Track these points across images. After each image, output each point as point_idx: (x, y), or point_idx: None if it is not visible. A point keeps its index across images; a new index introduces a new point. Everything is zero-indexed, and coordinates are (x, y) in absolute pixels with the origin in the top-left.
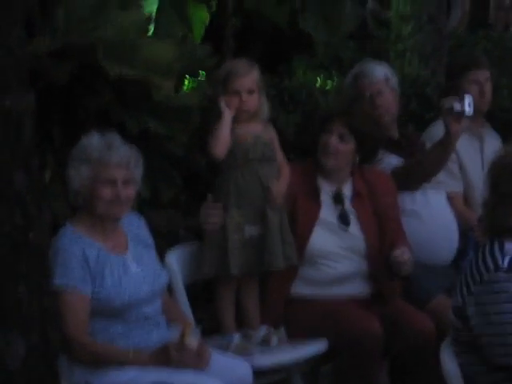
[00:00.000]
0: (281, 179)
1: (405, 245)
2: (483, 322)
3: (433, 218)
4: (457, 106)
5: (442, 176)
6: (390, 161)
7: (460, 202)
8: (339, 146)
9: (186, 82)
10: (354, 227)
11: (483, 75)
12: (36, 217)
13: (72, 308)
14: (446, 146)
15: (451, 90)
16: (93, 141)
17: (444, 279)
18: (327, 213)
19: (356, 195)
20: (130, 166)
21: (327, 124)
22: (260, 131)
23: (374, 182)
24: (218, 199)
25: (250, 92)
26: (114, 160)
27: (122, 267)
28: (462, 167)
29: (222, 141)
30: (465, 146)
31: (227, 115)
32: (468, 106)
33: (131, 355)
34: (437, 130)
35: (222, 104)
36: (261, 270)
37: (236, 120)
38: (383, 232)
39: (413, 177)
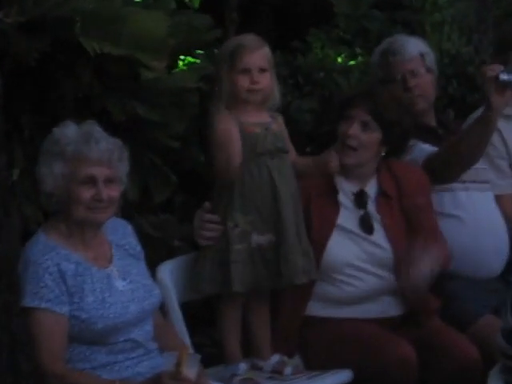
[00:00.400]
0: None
1: (431, 252)
2: None
3: (478, 223)
4: (503, 75)
5: (489, 174)
6: (423, 150)
7: (510, 205)
8: (361, 135)
9: (181, 60)
10: (379, 235)
11: None
12: (3, 223)
13: (46, 332)
14: (486, 122)
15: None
16: (67, 132)
17: (491, 296)
18: (347, 218)
19: (382, 196)
20: (112, 162)
21: (347, 109)
22: (270, 121)
23: (403, 180)
24: (218, 203)
25: (262, 70)
26: (93, 155)
27: (105, 283)
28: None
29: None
30: None
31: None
32: None
33: None
34: None
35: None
36: (275, 286)
37: (243, 106)
38: (414, 240)
39: (449, 164)
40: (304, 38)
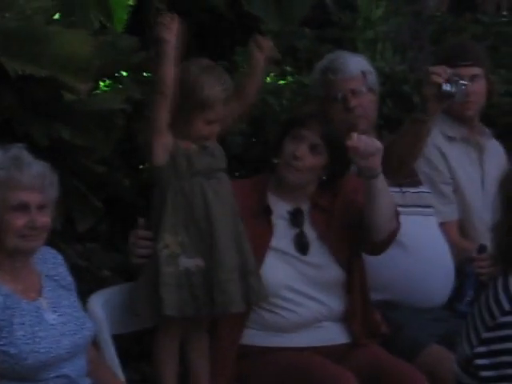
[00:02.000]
0: None
1: None
2: (498, 376)
3: (422, 249)
4: (446, 86)
5: (432, 200)
6: None
7: (455, 232)
8: (309, 158)
9: (102, 81)
10: (318, 253)
11: (470, 71)
12: None
13: None
14: (420, 124)
15: None
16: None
17: (437, 325)
18: (281, 238)
19: (316, 210)
20: (44, 187)
21: (298, 129)
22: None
23: (339, 188)
24: (151, 222)
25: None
26: (25, 181)
27: (35, 316)
28: (457, 187)
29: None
30: (461, 161)
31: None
32: (460, 90)
33: None
34: None
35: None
36: (208, 313)
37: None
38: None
39: (386, 163)
40: (230, 57)
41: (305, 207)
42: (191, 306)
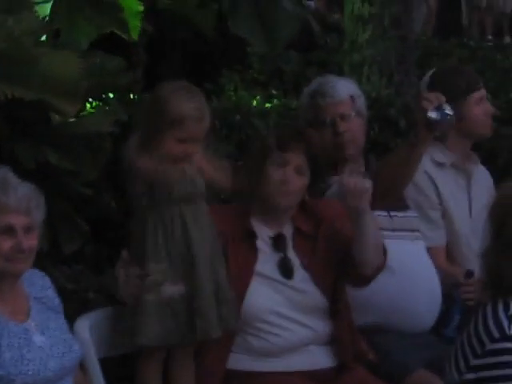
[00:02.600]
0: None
1: None
2: None
3: (409, 273)
4: (432, 113)
5: (420, 225)
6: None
7: (442, 257)
8: (297, 180)
9: (88, 103)
10: (301, 279)
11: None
12: None
13: None
14: (411, 148)
15: None
16: None
17: (423, 350)
18: (265, 263)
19: (299, 236)
20: (31, 210)
21: (278, 155)
22: (185, 165)
23: (323, 216)
24: (132, 250)
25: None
26: (11, 203)
27: (23, 338)
28: (445, 213)
29: None
30: (449, 187)
31: None
32: (444, 119)
33: None
34: None
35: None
36: (189, 340)
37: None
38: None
39: (375, 187)
40: (216, 79)
41: (287, 232)
42: (175, 334)
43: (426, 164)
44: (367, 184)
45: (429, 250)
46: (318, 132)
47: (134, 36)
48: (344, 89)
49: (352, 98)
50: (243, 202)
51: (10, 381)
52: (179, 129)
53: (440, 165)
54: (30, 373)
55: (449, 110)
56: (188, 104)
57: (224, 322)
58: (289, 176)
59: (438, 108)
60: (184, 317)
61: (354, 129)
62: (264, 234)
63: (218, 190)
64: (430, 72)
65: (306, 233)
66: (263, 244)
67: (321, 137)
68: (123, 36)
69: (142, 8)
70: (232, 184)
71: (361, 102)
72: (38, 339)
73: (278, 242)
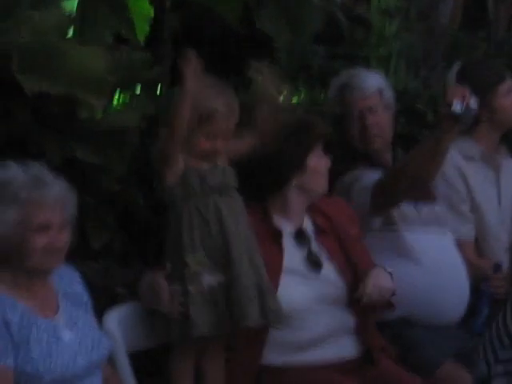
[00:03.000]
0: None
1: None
2: None
3: (438, 267)
4: (457, 107)
5: (448, 218)
6: (372, 176)
7: (471, 250)
8: (326, 162)
9: (116, 98)
10: (328, 271)
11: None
12: None
13: None
14: (436, 142)
15: None
16: (17, 176)
17: (451, 343)
18: (292, 259)
19: (320, 232)
20: (65, 207)
21: (313, 142)
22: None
23: (333, 214)
24: (168, 246)
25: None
26: (48, 200)
27: (51, 334)
28: (474, 206)
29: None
30: (479, 180)
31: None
32: (467, 114)
33: None
34: None
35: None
36: (227, 330)
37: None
38: (356, 273)
39: (397, 184)
40: (243, 73)
41: (307, 227)
42: (215, 324)
43: (455, 158)
44: (390, 285)
45: (458, 243)
46: (346, 125)
47: (141, 39)
48: (372, 82)
49: (380, 91)
50: (259, 201)
51: (38, 377)
52: (208, 124)
53: (469, 158)
54: (58, 369)
55: (473, 104)
56: (217, 100)
57: (265, 312)
58: (327, 161)
59: (463, 102)
60: (223, 306)
61: (382, 122)
62: (286, 230)
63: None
64: (457, 65)
65: (322, 227)
66: (287, 240)
67: (348, 130)
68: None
69: (152, 13)
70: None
71: (388, 96)
72: (66, 335)
73: (301, 237)
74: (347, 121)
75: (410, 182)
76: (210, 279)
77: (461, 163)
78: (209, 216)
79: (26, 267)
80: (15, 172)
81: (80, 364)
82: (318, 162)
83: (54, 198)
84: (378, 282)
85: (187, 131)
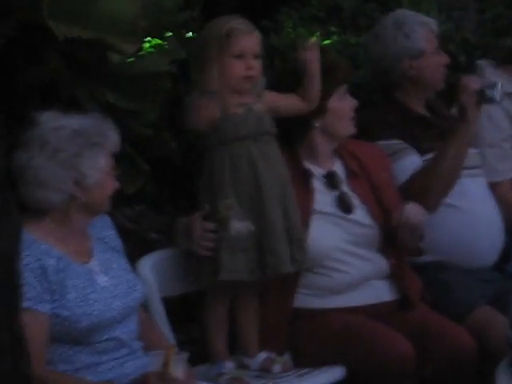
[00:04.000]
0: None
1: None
2: None
3: (472, 210)
4: (489, 92)
5: (489, 159)
6: (406, 164)
7: (509, 190)
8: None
9: (147, 42)
10: (360, 213)
11: None
12: (3, 221)
13: (27, 332)
14: (461, 135)
15: None
16: (96, 123)
17: (486, 286)
18: (323, 201)
19: (351, 175)
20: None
21: (340, 88)
22: (253, 100)
23: (364, 158)
24: (201, 190)
25: (256, 56)
26: (113, 147)
27: (87, 279)
28: None
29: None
30: None
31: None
32: (499, 94)
33: None
34: None
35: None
36: (260, 277)
37: (227, 91)
38: (388, 216)
39: (428, 187)
40: (274, 17)
41: (338, 170)
42: (245, 270)
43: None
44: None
45: (497, 184)
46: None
47: None
48: (433, 23)
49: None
50: (289, 146)
51: (75, 321)
52: (231, 44)
53: (510, 95)
54: (95, 313)
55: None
56: (238, 20)
57: (295, 260)
58: (352, 102)
59: (487, 86)
60: (254, 254)
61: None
62: (316, 173)
63: (296, 111)
64: None
65: (354, 171)
66: (317, 183)
67: (420, 67)
68: None
69: None
70: (307, 103)
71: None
72: (101, 280)
73: (331, 180)
74: (417, 59)
75: (442, 184)
76: (238, 225)
77: (507, 104)
78: (241, 162)
79: (93, 207)
80: (92, 120)
81: (116, 307)
82: (340, 105)
83: (116, 143)
84: (413, 209)
85: (212, 64)
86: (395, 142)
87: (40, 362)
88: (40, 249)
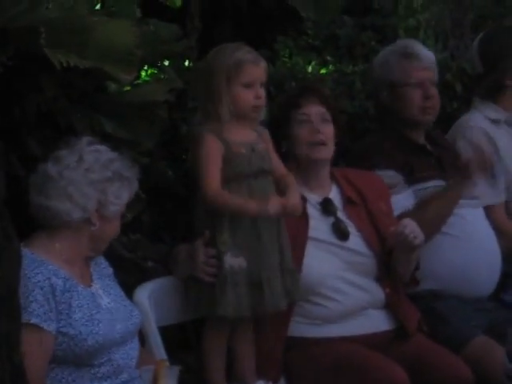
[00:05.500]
0: (290, 190)
1: None
2: None
3: (471, 240)
4: None
5: (479, 188)
6: (402, 201)
7: (503, 214)
8: (325, 128)
9: (144, 72)
10: (355, 241)
11: None
12: (3, 247)
13: (30, 351)
14: (456, 193)
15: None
16: (123, 158)
17: (483, 316)
18: (318, 228)
19: (348, 203)
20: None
21: (300, 110)
22: (255, 139)
23: (363, 186)
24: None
25: (262, 85)
26: (134, 191)
27: (91, 300)
28: (503, 168)
29: None
30: (505, 143)
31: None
32: None
33: None
34: (466, 129)
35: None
36: (255, 312)
37: (229, 123)
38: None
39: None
40: (271, 45)
41: (333, 197)
42: (238, 306)
43: (480, 122)
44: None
45: (489, 208)
46: (404, 92)
47: (178, 4)
48: (430, 54)
49: (435, 64)
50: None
51: (81, 340)
52: (240, 73)
53: (494, 121)
54: (100, 332)
55: None
56: (246, 50)
57: (289, 292)
58: (317, 125)
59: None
60: (245, 289)
61: (437, 96)
62: (311, 200)
63: (276, 177)
64: (482, 33)
65: (351, 199)
66: (312, 210)
67: (406, 98)
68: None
69: None
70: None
71: (436, 72)
72: (104, 302)
73: (327, 206)
74: (405, 88)
75: (430, 231)
76: (231, 260)
77: (487, 126)
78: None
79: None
80: (109, 154)
81: (119, 330)
82: (300, 131)
83: (135, 189)
84: (410, 223)
85: (221, 94)
86: (390, 174)
87: (41, 381)
88: (49, 269)
